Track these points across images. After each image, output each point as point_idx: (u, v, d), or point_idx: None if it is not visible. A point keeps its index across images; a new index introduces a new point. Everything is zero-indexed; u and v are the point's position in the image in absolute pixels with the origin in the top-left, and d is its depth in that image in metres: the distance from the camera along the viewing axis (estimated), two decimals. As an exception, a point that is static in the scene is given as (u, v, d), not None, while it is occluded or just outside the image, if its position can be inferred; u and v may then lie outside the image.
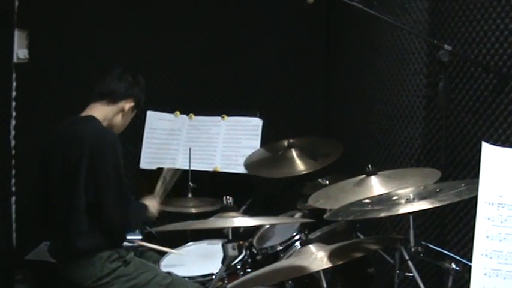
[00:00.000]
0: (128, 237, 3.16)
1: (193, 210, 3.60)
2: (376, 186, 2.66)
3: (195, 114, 4.03)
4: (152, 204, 3.32)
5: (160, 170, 3.75)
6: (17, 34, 3.79)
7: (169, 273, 2.97)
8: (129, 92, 3.07)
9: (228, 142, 3.94)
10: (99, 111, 3.01)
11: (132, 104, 3.09)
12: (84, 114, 3.02)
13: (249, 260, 3.05)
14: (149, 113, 3.97)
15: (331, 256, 2.28)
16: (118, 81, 3.06)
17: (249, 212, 3.59)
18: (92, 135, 2.89)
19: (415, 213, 2.40)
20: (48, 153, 2.99)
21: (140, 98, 3.14)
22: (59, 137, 2.99)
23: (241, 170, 3.82)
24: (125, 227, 3.02)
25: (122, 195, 2.88)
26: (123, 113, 3.08)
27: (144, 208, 3.21)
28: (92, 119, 2.97)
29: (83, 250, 2.84)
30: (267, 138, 3.94)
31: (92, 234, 2.85)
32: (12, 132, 3.81)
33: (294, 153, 3.63)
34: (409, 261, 2.49)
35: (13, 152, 3.81)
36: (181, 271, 3.00)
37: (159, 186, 3.62)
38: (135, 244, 3.28)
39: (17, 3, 3.76)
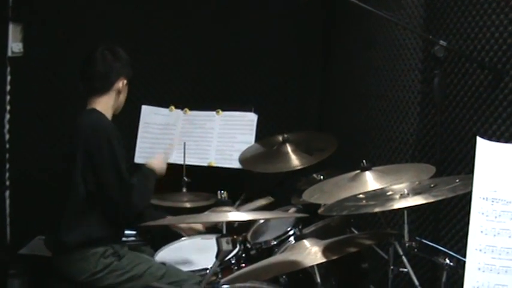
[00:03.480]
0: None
1: (188, 205, 3.58)
2: (371, 181, 2.65)
3: (190, 109, 4.02)
4: (159, 163, 3.30)
5: None
6: (11, 28, 3.78)
7: (163, 263, 2.97)
8: (115, 72, 3.04)
9: (222, 137, 3.93)
10: (100, 104, 3.03)
11: (125, 80, 3.08)
12: (88, 108, 3.05)
13: (243, 254, 3.05)
14: (144, 107, 3.96)
15: (325, 251, 2.28)
16: (101, 66, 3.02)
17: (243, 207, 3.59)
18: (87, 125, 2.93)
19: (410, 209, 2.40)
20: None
21: (128, 71, 3.11)
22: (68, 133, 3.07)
23: (236, 165, 3.81)
24: (132, 210, 2.93)
25: (121, 177, 2.88)
26: (120, 92, 3.08)
27: (151, 177, 3.16)
28: (92, 111, 3.00)
29: (73, 244, 2.84)
30: (261, 133, 3.93)
31: (85, 228, 2.85)
32: (7, 126, 3.81)
33: (288, 148, 3.62)
34: (403, 257, 2.48)
35: (7, 146, 3.80)
36: (175, 265, 3.00)
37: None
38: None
39: (11, -4, 3.76)
